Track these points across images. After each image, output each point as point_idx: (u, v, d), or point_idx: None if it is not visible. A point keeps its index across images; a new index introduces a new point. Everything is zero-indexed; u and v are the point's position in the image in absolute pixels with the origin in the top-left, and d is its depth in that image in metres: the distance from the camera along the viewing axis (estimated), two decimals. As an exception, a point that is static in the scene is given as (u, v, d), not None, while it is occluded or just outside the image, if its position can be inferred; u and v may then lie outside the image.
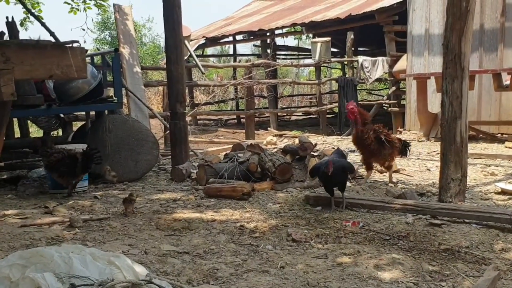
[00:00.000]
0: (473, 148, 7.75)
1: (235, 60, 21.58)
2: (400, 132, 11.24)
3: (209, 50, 23.38)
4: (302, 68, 23.55)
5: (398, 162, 6.81)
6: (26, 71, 2.22)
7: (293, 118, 18.73)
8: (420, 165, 6.85)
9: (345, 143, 9.36)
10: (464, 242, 3.45)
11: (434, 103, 9.96)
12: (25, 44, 2.28)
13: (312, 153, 6.04)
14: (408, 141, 5.91)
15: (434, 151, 7.77)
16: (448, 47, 4.42)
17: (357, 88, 14.10)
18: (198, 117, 15.82)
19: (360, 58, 13.71)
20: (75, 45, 2.41)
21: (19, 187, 5.87)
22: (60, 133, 8.61)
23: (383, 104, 14.84)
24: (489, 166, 6.49)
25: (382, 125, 5.60)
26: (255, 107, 15.35)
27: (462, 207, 4.07)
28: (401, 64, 12.41)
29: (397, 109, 13.41)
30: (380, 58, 13.54)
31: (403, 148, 5.62)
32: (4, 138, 5.35)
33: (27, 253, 2.65)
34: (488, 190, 5.20)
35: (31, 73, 2.26)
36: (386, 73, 13.93)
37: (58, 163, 5.25)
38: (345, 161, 4.85)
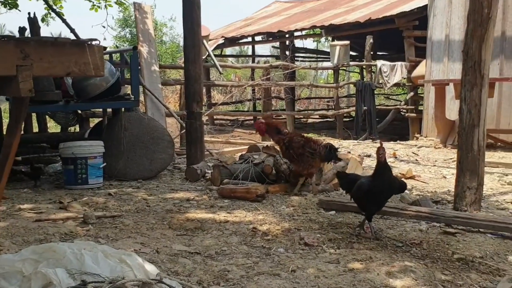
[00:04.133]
0: (490, 156, 7.65)
1: (253, 61, 21.61)
2: (417, 138, 11.16)
3: (228, 50, 23.40)
4: (320, 71, 23.51)
5: (414, 168, 6.77)
6: (44, 68, 2.23)
7: (310, 120, 18.66)
8: (436, 172, 6.79)
9: (361, 147, 9.32)
10: (479, 252, 3.41)
11: (452, 110, 9.86)
12: (44, 41, 2.29)
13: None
14: (336, 147, 5.39)
15: (451, 159, 7.69)
16: (468, 54, 4.36)
17: (375, 92, 14.03)
18: (214, 117, 15.85)
19: (379, 63, 13.64)
20: (94, 43, 2.41)
21: (37, 181, 5.88)
22: (77, 129, 8.68)
23: (401, 110, 14.74)
24: (507, 175, 6.39)
25: (295, 134, 5.42)
26: (272, 108, 15.33)
27: (478, 216, 4.02)
28: (420, 70, 12.33)
29: (414, 114, 13.33)
30: (399, 63, 13.46)
31: (328, 154, 5.21)
32: (22, 133, 5.42)
33: (40, 248, 2.67)
34: (504, 199, 5.11)
35: (49, 70, 2.26)
36: (404, 78, 13.85)
37: None
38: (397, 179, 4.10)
